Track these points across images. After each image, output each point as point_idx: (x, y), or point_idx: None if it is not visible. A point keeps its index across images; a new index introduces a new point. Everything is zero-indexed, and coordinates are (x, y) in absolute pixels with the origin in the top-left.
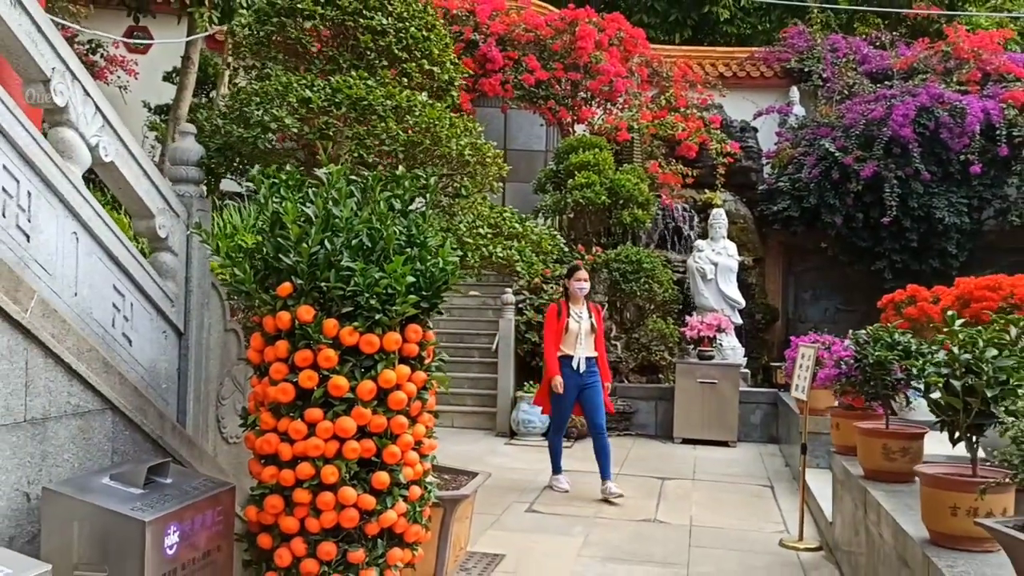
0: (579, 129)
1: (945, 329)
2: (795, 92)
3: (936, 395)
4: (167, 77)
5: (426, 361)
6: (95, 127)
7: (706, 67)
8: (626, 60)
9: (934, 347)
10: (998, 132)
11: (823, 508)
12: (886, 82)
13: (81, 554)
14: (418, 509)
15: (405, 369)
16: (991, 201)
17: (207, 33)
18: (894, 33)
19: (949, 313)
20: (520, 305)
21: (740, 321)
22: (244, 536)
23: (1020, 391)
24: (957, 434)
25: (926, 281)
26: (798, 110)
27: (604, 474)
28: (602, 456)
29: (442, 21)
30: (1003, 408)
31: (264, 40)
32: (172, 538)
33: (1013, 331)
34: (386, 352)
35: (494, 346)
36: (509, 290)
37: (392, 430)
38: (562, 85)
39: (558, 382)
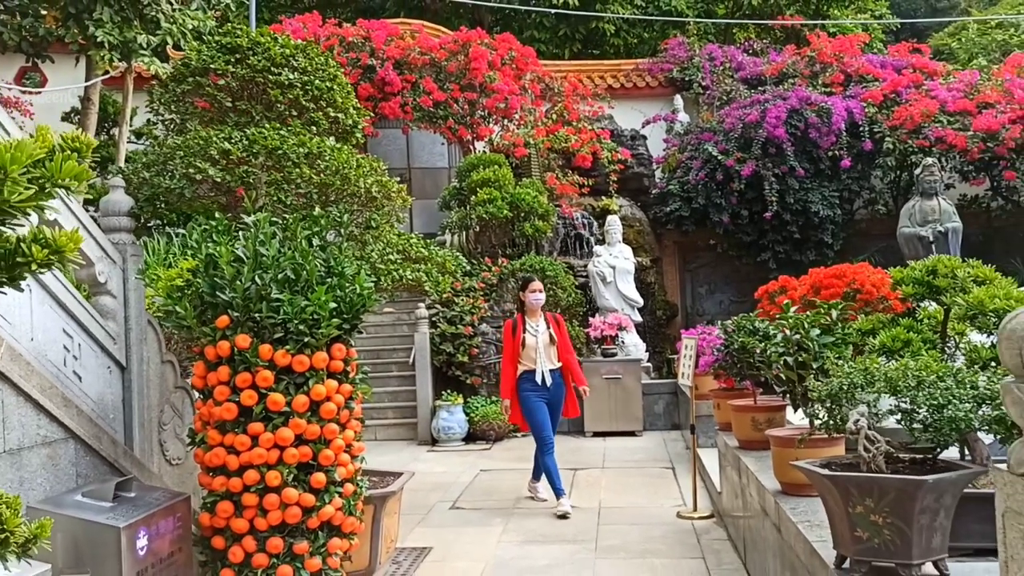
0: (479, 146)
1: (778, 316)
2: (679, 100)
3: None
4: (66, 117)
5: (351, 375)
6: None
7: (595, 79)
8: (519, 78)
9: (774, 330)
10: (861, 129)
11: (714, 481)
12: (760, 87)
13: (65, 561)
14: (352, 503)
15: (333, 383)
16: (860, 193)
17: (107, 76)
18: (764, 41)
19: (785, 302)
20: (433, 318)
21: (640, 319)
22: (198, 541)
23: (839, 363)
24: (796, 401)
25: (806, 270)
26: (683, 117)
27: (536, 475)
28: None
29: (339, 48)
30: (812, 376)
31: (180, 97)
32: (142, 541)
33: (834, 313)
34: (315, 369)
35: (411, 359)
36: (422, 305)
37: (325, 436)
38: (460, 105)
39: (506, 406)
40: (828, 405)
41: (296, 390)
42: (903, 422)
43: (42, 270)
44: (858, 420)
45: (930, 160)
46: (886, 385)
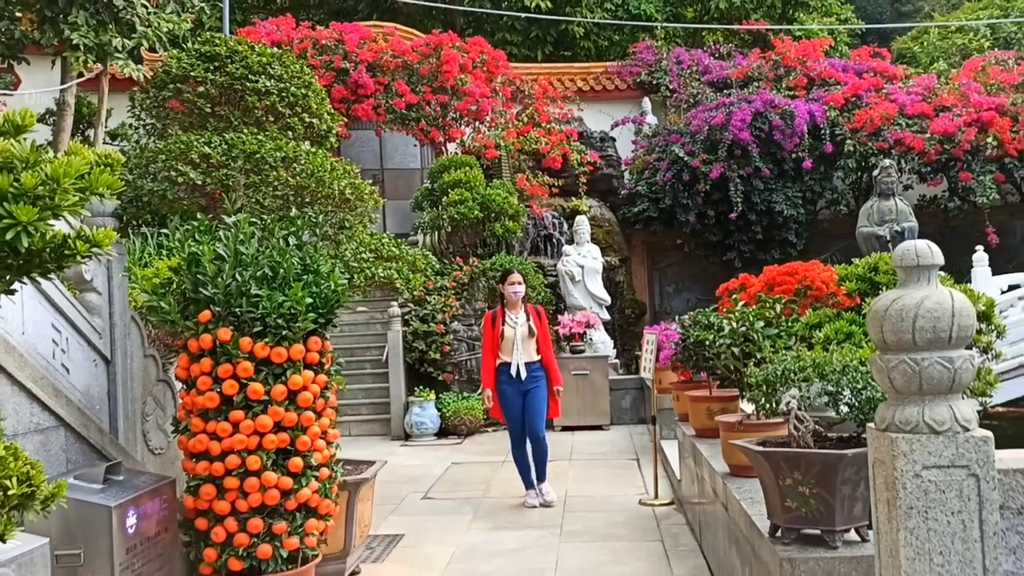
0: (451, 148)
1: (725, 310)
2: (647, 103)
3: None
4: (41, 118)
5: (326, 366)
6: None
7: (565, 82)
8: (490, 81)
9: (724, 323)
10: (822, 131)
11: (675, 470)
12: (726, 90)
13: (59, 538)
14: (328, 487)
15: (309, 374)
16: (822, 193)
17: (84, 79)
18: (730, 44)
19: (733, 297)
20: (406, 316)
21: (608, 317)
22: (183, 522)
23: (781, 353)
24: (743, 389)
25: None
26: (651, 119)
27: (539, 476)
28: (539, 460)
29: (312, 51)
30: (751, 365)
31: (162, 103)
32: (132, 519)
33: (778, 308)
34: (293, 361)
35: (384, 356)
36: (395, 303)
37: (302, 423)
38: (432, 107)
39: (487, 395)
40: (764, 390)
41: (275, 380)
42: (829, 404)
43: (83, 261)
44: (789, 402)
45: (887, 162)
46: (815, 371)
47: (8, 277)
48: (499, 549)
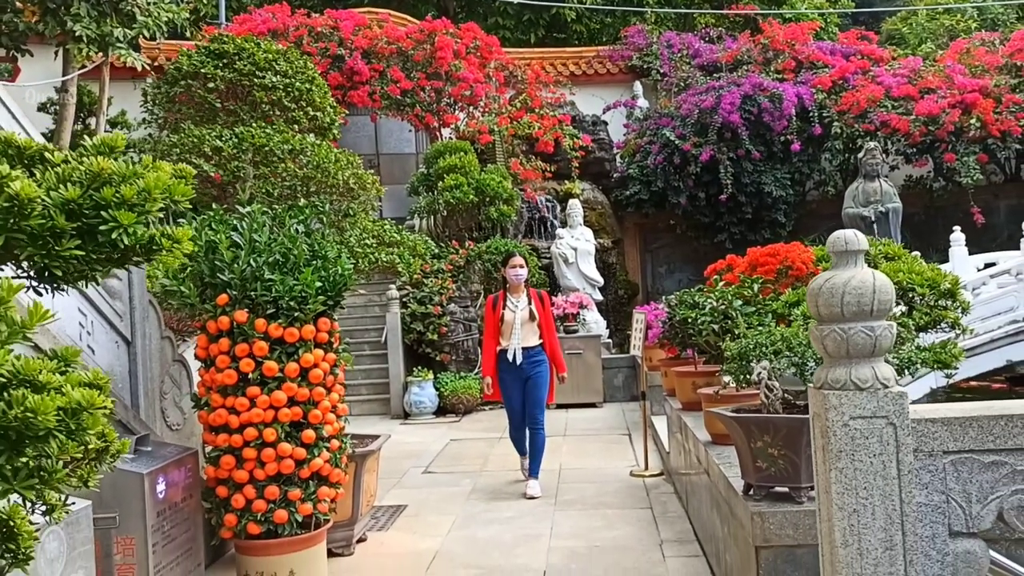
0: (446, 133)
1: (706, 290)
2: (638, 86)
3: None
4: (42, 107)
5: (334, 345)
6: None
7: (558, 66)
8: (483, 66)
9: (706, 302)
10: (811, 114)
11: (664, 443)
12: (716, 74)
13: (96, 503)
14: (338, 457)
15: (319, 352)
16: (810, 175)
17: (85, 69)
18: (720, 28)
19: (714, 278)
20: (404, 299)
21: (601, 298)
22: (204, 491)
23: (758, 329)
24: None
25: None
26: (642, 103)
27: (531, 471)
28: (534, 452)
29: (308, 38)
30: (728, 340)
31: (173, 98)
32: (161, 486)
33: (756, 287)
34: (304, 340)
35: (383, 338)
36: (393, 286)
37: (314, 398)
38: (426, 93)
39: (487, 383)
40: (739, 362)
41: (288, 358)
42: (796, 374)
43: (166, 255)
44: (760, 373)
45: (872, 144)
46: (784, 344)
47: (109, 268)
48: (497, 517)
